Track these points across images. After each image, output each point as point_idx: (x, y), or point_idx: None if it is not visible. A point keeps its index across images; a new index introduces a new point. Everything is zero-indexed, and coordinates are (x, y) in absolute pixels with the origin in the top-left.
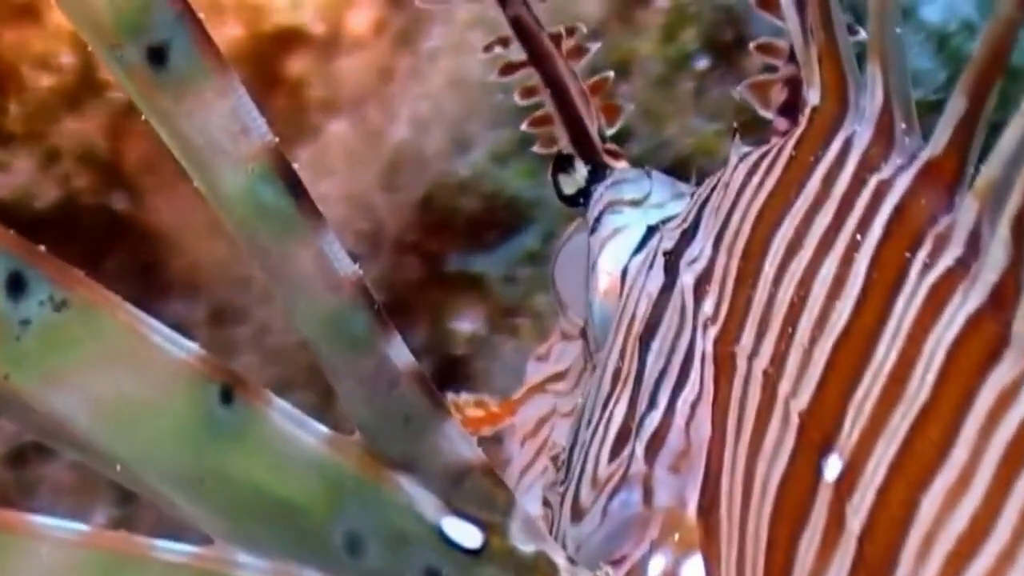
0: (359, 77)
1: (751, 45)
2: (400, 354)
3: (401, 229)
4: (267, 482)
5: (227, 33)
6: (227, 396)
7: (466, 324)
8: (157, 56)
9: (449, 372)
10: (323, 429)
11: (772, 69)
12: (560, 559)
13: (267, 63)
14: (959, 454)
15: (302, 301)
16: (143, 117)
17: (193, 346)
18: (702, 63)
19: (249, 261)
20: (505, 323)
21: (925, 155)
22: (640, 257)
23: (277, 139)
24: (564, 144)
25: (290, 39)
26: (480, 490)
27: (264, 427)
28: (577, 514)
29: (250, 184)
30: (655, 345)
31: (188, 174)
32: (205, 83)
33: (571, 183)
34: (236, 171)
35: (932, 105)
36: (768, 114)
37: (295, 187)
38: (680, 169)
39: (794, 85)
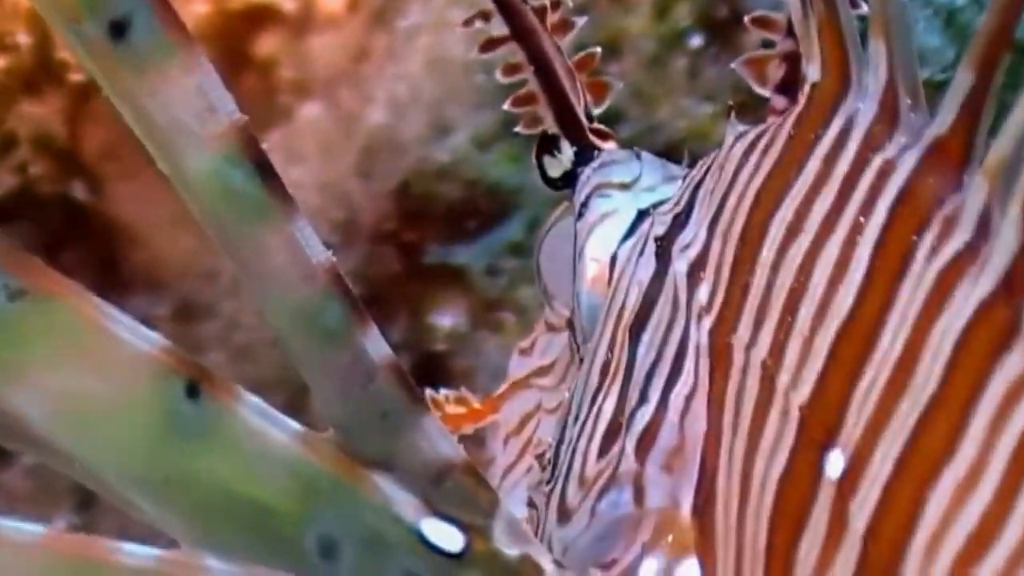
0: (333, 57)
1: (746, 19)
2: (377, 346)
3: (377, 218)
4: (236, 482)
5: (193, 10)
6: (193, 391)
7: (446, 319)
8: (118, 31)
9: (428, 370)
10: (295, 426)
11: (770, 45)
12: (546, 563)
13: (235, 42)
14: (968, 448)
15: (272, 291)
16: (104, 94)
17: (158, 338)
18: (696, 41)
19: (216, 249)
20: (488, 318)
21: (931, 133)
22: (630, 243)
23: (246, 118)
24: (549, 124)
25: (260, 16)
26: (462, 490)
27: (233, 424)
28: (564, 515)
29: (217, 166)
30: (646, 336)
31: (152, 158)
32: (169, 59)
33: (556, 165)
34: (202, 152)
35: (940, 85)
36: (765, 92)
37: (265, 170)
38: (672, 153)
39: (792, 61)
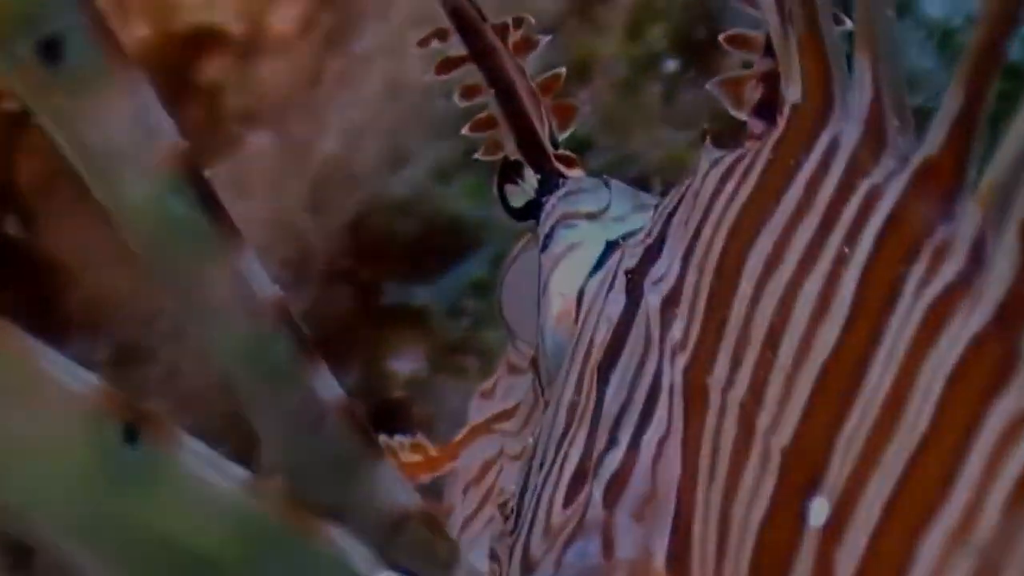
0: (283, 83)
1: (720, 37)
2: (328, 387)
3: (331, 256)
4: (176, 532)
5: (132, 33)
6: (131, 435)
7: (405, 364)
8: (51, 50)
9: (385, 418)
10: (241, 472)
11: (750, 67)
12: None
13: (178, 67)
14: (961, 493)
15: (217, 328)
16: (37, 121)
17: (93, 378)
18: (671, 65)
19: (157, 285)
20: (449, 362)
21: (920, 156)
22: (598, 277)
23: (188, 144)
24: (511, 150)
25: (205, 40)
26: (419, 541)
27: (173, 470)
28: (528, 567)
29: (157, 194)
30: (616, 376)
31: (88, 187)
32: (106, 80)
33: (519, 194)
34: (142, 180)
35: (934, 112)
36: (742, 115)
37: (209, 199)
38: (646, 185)
39: (771, 81)
